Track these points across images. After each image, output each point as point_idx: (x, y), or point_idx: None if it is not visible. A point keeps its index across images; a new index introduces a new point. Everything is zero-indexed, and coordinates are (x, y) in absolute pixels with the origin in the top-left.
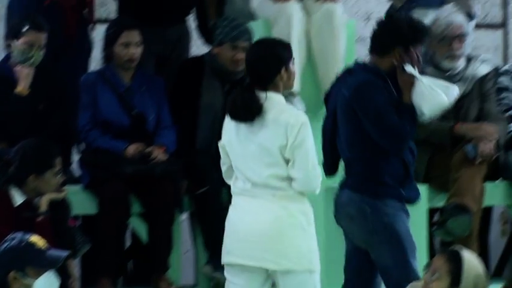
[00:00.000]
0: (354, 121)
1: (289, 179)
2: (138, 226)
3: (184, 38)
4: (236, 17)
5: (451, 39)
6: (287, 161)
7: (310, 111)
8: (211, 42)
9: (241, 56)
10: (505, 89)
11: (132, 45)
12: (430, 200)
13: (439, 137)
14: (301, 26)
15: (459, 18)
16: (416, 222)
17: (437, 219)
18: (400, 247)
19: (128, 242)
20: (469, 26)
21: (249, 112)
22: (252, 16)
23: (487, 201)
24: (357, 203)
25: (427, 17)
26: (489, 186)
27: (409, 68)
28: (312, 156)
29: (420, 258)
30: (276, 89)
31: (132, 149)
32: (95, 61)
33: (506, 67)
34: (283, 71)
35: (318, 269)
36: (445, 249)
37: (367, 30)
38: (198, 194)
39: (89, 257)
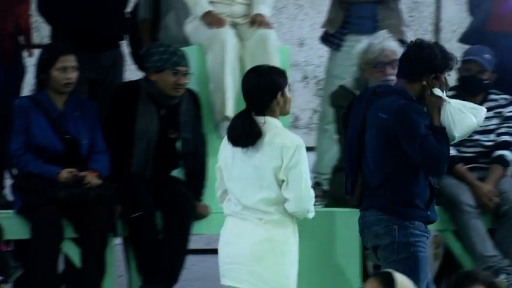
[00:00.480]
0: (390, 143)
1: (279, 203)
2: (71, 251)
3: (117, 63)
4: (170, 43)
5: (385, 64)
6: (280, 183)
7: None
8: (145, 68)
9: (183, 80)
10: None
11: (69, 69)
12: None
13: None
14: (235, 52)
15: (392, 44)
16: (350, 245)
17: None
18: (416, 268)
19: (61, 267)
20: (401, 50)
21: (250, 137)
22: (186, 42)
23: None
24: (384, 222)
25: (360, 43)
26: None
27: (437, 92)
28: (305, 178)
29: (353, 282)
30: (273, 114)
31: (65, 173)
32: (27, 86)
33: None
34: (279, 96)
35: None
36: (377, 272)
37: (301, 56)
38: (132, 219)
39: (22, 282)
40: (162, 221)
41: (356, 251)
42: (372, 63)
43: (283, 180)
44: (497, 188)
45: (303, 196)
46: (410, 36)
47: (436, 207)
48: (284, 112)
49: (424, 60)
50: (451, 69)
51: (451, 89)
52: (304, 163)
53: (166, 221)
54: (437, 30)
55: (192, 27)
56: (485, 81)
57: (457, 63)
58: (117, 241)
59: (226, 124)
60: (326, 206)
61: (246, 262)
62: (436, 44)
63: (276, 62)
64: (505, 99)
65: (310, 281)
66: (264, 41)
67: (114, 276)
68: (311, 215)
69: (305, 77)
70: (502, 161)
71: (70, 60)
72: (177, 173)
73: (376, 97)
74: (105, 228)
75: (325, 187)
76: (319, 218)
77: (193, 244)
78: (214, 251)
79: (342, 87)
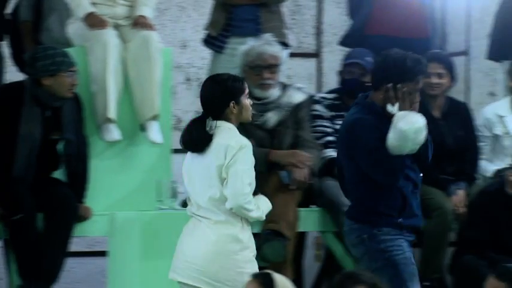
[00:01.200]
0: (349, 156)
1: (223, 203)
2: None
3: None
4: (53, 44)
5: (263, 68)
6: (223, 181)
7: (126, 139)
8: (31, 72)
9: (77, 81)
10: (319, 116)
11: None
12: None
13: (255, 164)
14: (117, 53)
15: (273, 48)
16: None
17: None
18: (397, 272)
19: None
20: (283, 54)
21: (198, 144)
22: (68, 43)
23: (301, 227)
24: (356, 232)
25: (244, 45)
26: (304, 212)
27: (389, 107)
28: (242, 177)
29: None
30: (228, 120)
31: None
32: None
33: (320, 95)
34: (232, 105)
35: None
36: (257, 273)
37: (184, 58)
38: (13, 221)
39: None
40: (43, 223)
41: None
42: (250, 66)
43: (225, 179)
44: None
45: (237, 193)
46: (292, 39)
47: (318, 209)
48: (243, 119)
49: (380, 69)
50: (409, 80)
51: (332, 91)
52: (244, 163)
53: (47, 223)
54: (318, 33)
55: (74, 28)
56: (367, 84)
57: (421, 75)
58: None
59: (108, 126)
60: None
61: (198, 262)
62: (398, 55)
63: (158, 63)
64: None
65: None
66: (147, 42)
67: None
68: (252, 214)
69: (188, 79)
70: None
71: None
72: (59, 174)
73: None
74: None
75: None
76: (180, 219)
77: (74, 246)
78: (95, 253)
79: None
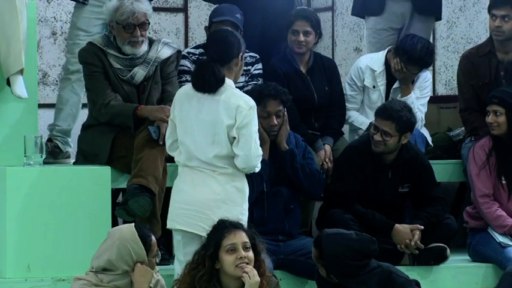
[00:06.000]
0: None
1: (230, 158)
2: None
3: None
4: None
5: (134, 26)
6: (231, 141)
7: None
8: None
9: None
10: (185, 72)
11: None
12: (114, 181)
13: (123, 119)
14: None
15: (144, 6)
16: (100, 202)
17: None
18: None
19: None
20: (151, 10)
21: (213, 84)
22: None
23: None
24: None
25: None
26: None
27: None
28: (255, 137)
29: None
30: (230, 72)
31: None
32: None
33: (186, 50)
34: (240, 56)
35: None
36: None
37: (49, 12)
38: None
39: None
40: None
41: (107, 207)
42: (121, 23)
43: (234, 138)
44: None
45: (252, 154)
46: None
47: None
48: (237, 77)
49: None
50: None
51: (198, 46)
52: (255, 124)
53: None
54: None
55: None
56: None
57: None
58: None
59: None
60: (75, 163)
61: (200, 210)
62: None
63: (23, 17)
64: (252, 56)
65: (62, 237)
66: None
67: None
68: (257, 169)
69: (53, 33)
70: None
71: None
72: None
73: None
74: None
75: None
76: (70, 174)
77: None
78: None
79: (90, 43)
